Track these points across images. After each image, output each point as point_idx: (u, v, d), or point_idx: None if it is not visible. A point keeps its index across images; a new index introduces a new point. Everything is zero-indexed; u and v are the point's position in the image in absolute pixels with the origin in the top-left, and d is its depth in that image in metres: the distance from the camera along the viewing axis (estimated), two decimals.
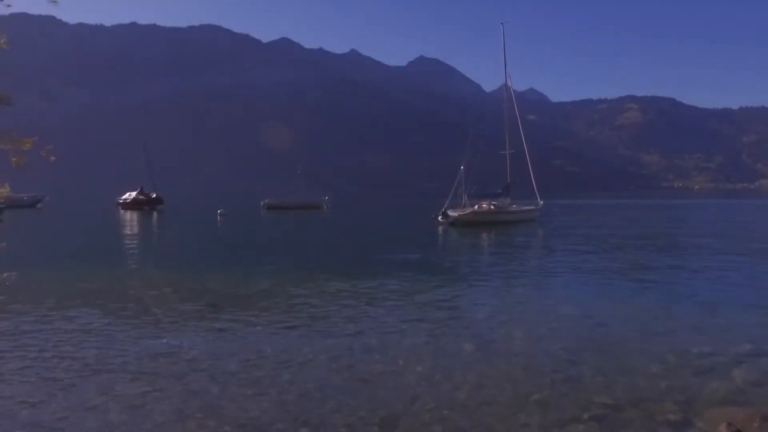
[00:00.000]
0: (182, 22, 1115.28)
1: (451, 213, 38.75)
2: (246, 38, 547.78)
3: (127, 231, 42.79)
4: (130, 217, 57.67)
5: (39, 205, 75.01)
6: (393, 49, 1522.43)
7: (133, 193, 71.51)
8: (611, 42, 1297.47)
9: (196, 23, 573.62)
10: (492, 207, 40.75)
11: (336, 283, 17.42)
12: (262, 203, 67.67)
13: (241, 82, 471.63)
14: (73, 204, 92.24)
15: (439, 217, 39.19)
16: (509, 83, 47.26)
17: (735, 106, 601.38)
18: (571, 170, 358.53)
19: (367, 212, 71.58)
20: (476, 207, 40.10)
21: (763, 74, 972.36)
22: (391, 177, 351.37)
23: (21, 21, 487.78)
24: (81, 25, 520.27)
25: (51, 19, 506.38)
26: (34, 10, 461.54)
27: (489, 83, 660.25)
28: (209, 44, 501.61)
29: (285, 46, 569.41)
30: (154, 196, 70.12)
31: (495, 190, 43.36)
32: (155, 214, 62.48)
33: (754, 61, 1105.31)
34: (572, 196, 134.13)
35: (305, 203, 68.29)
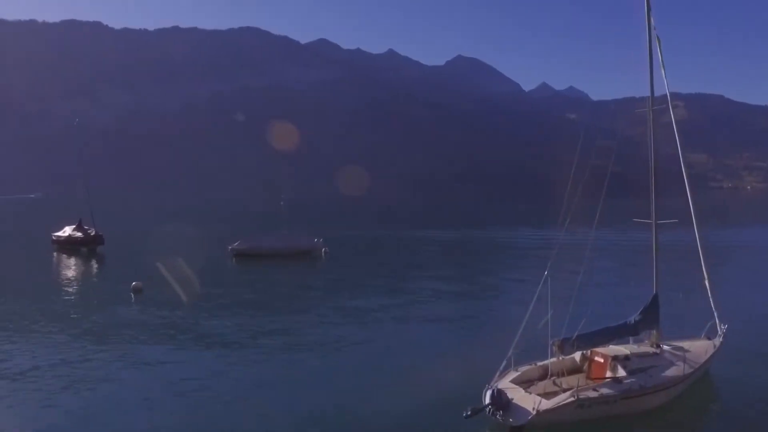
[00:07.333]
0: (222, 25, 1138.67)
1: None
2: (284, 40, 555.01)
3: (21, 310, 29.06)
4: (57, 265, 47.10)
5: None
6: (431, 49, 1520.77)
7: (68, 229, 58.70)
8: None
9: (236, 26, 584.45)
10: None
11: None
12: (229, 248, 50.69)
13: (280, 83, 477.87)
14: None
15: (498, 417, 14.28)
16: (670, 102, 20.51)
17: None
18: (613, 170, 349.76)
19: (378, 270, 45.28)
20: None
21: None
22: (429, 178, 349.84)
23: (70, 27, 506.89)
24: (126, 29, 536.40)
25: (98, 25, 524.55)
26: (82, 16, 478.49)
27: (528, 82, 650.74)
28: (248, 46, 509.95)
29: (322, 46, 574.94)
30: (93, 233, 57.93)
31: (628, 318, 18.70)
32: (93, 261, 51.18)
33: None
34: (625, 208, 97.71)
35: (292, 248, 51.38)
